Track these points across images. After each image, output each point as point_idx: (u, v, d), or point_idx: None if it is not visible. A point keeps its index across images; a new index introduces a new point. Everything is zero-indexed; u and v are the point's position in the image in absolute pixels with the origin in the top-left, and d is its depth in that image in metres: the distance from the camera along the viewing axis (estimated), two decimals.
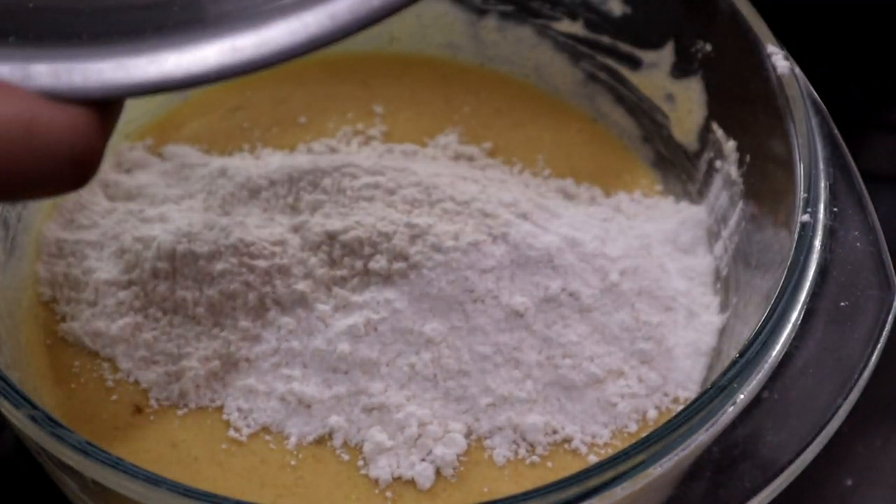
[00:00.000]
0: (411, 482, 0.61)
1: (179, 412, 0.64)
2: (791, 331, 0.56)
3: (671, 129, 0.74)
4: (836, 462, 0.72)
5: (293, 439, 0.63)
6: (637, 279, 0.67)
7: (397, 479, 0.61)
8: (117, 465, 0.51)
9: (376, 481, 0.61)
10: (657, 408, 0.64)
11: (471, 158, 0.75)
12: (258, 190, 0.70)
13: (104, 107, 0.44)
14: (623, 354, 0.65)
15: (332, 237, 0.66)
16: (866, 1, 0.92)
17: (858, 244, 0.60)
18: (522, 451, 0.63)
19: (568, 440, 0.63)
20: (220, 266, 0.65)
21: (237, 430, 0.63)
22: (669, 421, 0.53)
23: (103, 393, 0.64)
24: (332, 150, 0.75)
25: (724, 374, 0.54)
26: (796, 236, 0.58)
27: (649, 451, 0.52)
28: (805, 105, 0.63)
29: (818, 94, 0.64)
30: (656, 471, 0.52)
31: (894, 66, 0.91)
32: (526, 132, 0.77)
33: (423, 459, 0.62)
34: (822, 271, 0.58)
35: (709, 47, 0.71)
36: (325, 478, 0.62)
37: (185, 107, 0.78)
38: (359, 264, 0.65)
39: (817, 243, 0.58)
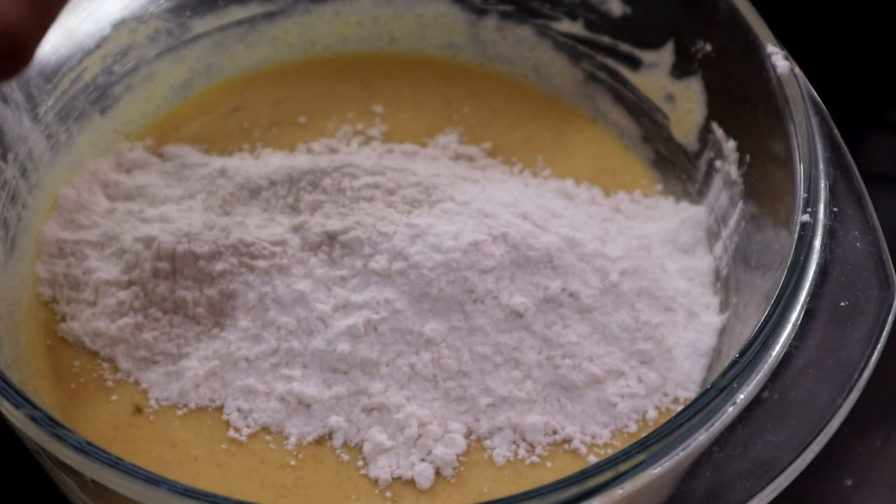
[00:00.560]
0: (411, 482, 0.61)
1: (179, 412, 0.64)
2: (791, 331, 0.56)
3: (671, 129, 0.74)
4: (836, 462, 0.72)
5: (293, 439, 0.63)
6: (637, 279, 0.67)
7: (397, 479, 0.61)
8: (117, 465, 0.51)
9: (376, 481, 0.61)
10: (657, 408, 0.64)
11: (471, 158, 0.75)
12: (258, 190, 0.70)
13: None
14: (623, 355, 0.65)
15: (332, 237, 0.66)
16: (866, 1, 0.92)
17: (858, 244, 0.60)
18: (522, 452, 0.63)
19: (568, 440, 0.63)
20: (220, 266, 0.65)
21: (237, 430, 0.63)
22: (669, 421, 0.53)
23: (103, 393, 0.64)
24: (332, 150, 0.75)
25: (724, 374, 0.54)
26: (796, 236, 0.58)
27: (649, 451, 0.52)
28: (805, 105, 0.63)
29: (818, 94, 0.64)
30: (656, 471, 0.52)
31: (894, 66, 0.91)
32: (526, 132, 0.77)
33: (422, 459, 0.62)
34: (822, 271, 0.58)
35: (709, 47, 0.71)
36: (324, 478, 0.62)
37: (185, 107, 0.78)
38: (359, 264, 0.65)
39: (817, 243, 0.58)
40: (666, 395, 0.65)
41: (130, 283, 0.67)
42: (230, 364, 0.64)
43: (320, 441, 0.63)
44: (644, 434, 0.55)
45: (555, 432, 0.63)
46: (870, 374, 0.57)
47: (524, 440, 0.63)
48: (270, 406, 0.63)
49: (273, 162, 0.72)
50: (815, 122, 0.62)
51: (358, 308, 0.64)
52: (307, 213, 0.68)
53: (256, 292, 0.65)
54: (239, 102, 0.78)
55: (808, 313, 0.57)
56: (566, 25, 0.77)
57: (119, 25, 0.74)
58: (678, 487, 0.58)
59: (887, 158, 0.89)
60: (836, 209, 0.60)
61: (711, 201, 0.71)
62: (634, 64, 0.75)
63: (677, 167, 0.74)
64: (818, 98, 0.64)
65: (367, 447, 0.62)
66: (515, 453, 0.63)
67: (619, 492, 0.51)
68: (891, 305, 0.59)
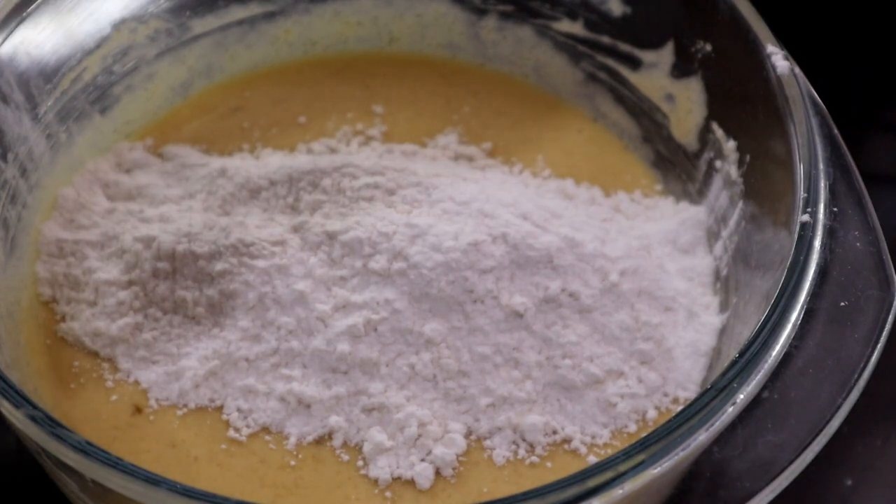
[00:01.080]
0: (411, 482, 0.61)
1: (179, 412, 0.64)
2: (791, 331, 0.56)
3: (671, 129, 0.74)
4: (836, 462, 0.72)
5: (293, 439, 0.63)
6: (637, 279, 0.67)
7: (397, 479, 0.61)
8: (117, 465, 0.51)
9: (376, 481, 0.61)
10: (657, 408, 0.64)
11: (471, 158, 0.75)
12: (258, 190, 0.70)
13: None
14: (623, 355, 0.65)
15: (331, 237, 0.66)
16: (866, 1, 0.92)
17: (858, 244, 0.60)
18: (522, 452, 0.63)
19: (567, 440, 0.63)
20: (219, 266, 0.65)
21: (237, 430, 0.63)
22: (669, 421, 0.53)
23: (103, 393, 0.64)
24: (332, 151, 0.75)
25: (724, 374, 0.54)
26: (796, 236, 0.58)
27: (649, 451, 0.52)
28: (805, 105, 0.63)
29: (818, 94, 0.64)
30: (656, 471, 0.52)
31: (894, 66, 0.91)
32: (526, 132, 0.77)
33: (422, 459, 0.62)
34: (822, 271, 0.58)
35: (709, 47, 0.71)
36: (324, 478, 0.62)
37: (185, 107, 0.78)
38: (358, 264, 0.65)
39: (817, 243, 0.58)
40: (666, 395, 0.65)
41: (130, 283, 0.67)
42: (230, 364, 0.64)
43: (320, 441, 0.63)
44: (644, 434, 0.55)
45: (555, 432, 0.63)
46: (870, 374, 0.57)
47: (524, 440, 0.63)
48: (270, 406, 0.63)
49: (273, 162, 0.72)
50: (815, 122, 0.62)
51: (358, 308, 0.64)
52: (307, 213, 0.68)
53: (256, 292, 0.65)
54: (239, 102, 0.78)
55: (808, 313, 0.57)
56: (566, 25, 0.77)
57: (119, 25, 0.74)
58: (678, 487, 0.58)
59: (887, 158, 0.89)
60: (836, 209, 0.60)
61: (711, 201, 0.71)
62: (634, 64, 0.76)
63: (677, 167, 0.74)
64: (818, 98, 0.64)
65: (367, 447, 0.62)
66: (515, 453, 0.63)
67: (619, 492, 0.51)
68: (891, 305, 0.59)
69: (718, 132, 0.71)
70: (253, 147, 0.76)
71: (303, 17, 0.79)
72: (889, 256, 0.60)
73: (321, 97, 0.78)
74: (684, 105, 0.73)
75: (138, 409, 0.64)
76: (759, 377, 0.54)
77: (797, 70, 0.64)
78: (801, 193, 0.60)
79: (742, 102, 0.68)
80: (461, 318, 0.64)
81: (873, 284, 0.59)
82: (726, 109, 0.70)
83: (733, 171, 0.69)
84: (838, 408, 0.57)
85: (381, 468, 0.61)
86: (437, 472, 0.62)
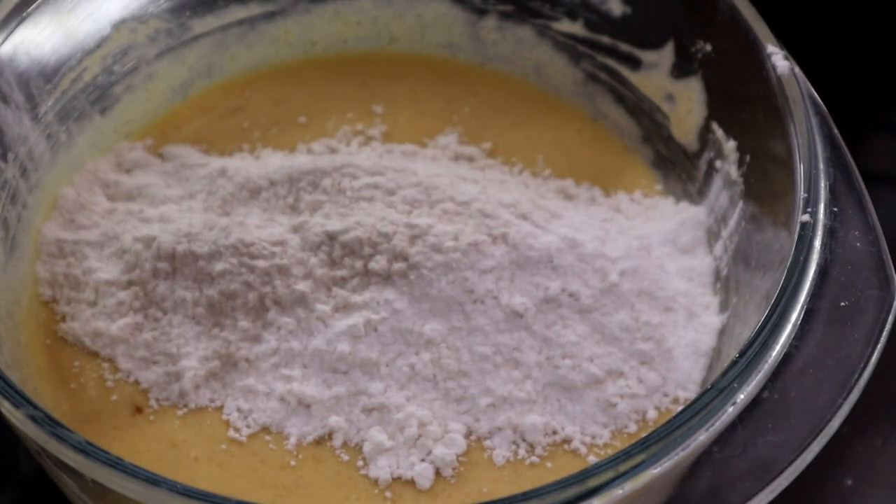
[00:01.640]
0: (411, 482, 0.61)
1: (179, 412, 0.64)
2: (791, 331, 0.56)
3: (671, 129, 0.74)
4: (836, 462, 0.72)
5: (293, 439, 0.63)
6: (637, 280, 0.67)
7: (397, 480, 0.61)
8: (117, 465, 0.51)
9: (376, 481, 0.61)
10: (657, 408, 0.64)
11: (471, 159, 0.75)
12: (258, 190, 0.70)
13: None
14: (623, 355, 0.65)
15: (332, 237, 0.66)
16: (866, 1, 0.92)
17: (858, 244, 0.60)
18: (522, 452, 0.63)
19: (567, 441, 0.63)
20: (219, 266, 0.65)
21: (237, 430, 0.63)
22: (669, 421, 0.53)
23: (103, 393, 0.64)
24: (332, 151, 0.75)
25: (724, 374, 0.54)
26: (796, 236, 0.58)
27: (649, 451, 0.52)
28: (805, 105, 0.63)
29: (818, 94, 0.64)
30: (656, 471, 0.52)
31: (894, 66, 0.91)
32: (526, 132, 0.77)
33: (422, 460, 0.62)
34: (822, 271, 0.58)
35: (709, 47, 0.71)
36: (324, 478, 0.62)
37: (185, 107, 0.78)
38: (359, 264, 0.65)
39: (817, 243, 0.58)
40: (666, 395, 0.65)
41: (130, 283, 0.67)
42: (230, 364, 0.64)
43: (320, 441, 0.63)
44: (644, 434, 0.55)
45: (555, 432, 0.63)
46: (870, 374, 0.57)
47: (524, 440, 0.63)
48: (270, 406, 0.63)
49: (273, 162, 0.72)
50: (815, 122, 0.62)
51: (358, 308, 0.64)
52: (307, 213, 0.68)
53: (256, 292, 0.65)
54: (239, 102, 0.78)
55: (808, 313, 0.57)
56: (566, 25, 0.77)
57: (119, 25, 0.74)
58: (678, 487, 0.58)
59: (887, 158, 0.89)
60: (836, 209, 0.60)
61: (711, 201, 0.71)
62: (634, 64, 0.75)
63: (677, 167, 0.74)
64: (818, 98, 0.64)
65: (367, 447, 0.62)
66: (515, 453, 0.63)
67: (619, 492, 0.51)
68: (891, 305, 0.59)
69: (718, 132, 0.71)
70: (253, 147, 0.76)
71: (303, 17, 0.79)
72: (889, 256, 0.60)
73: (321, 97, 0.78)
74: (684, 105, 0.73)
75: (138, 409, 0.64)
76: (759, 377, 0.54)
77: (797, 70, 0.64)
78: (802, 193, 0.60)
79: (742, 102, 0.68)
80: (461, 318, 0.64)
81: (873, 284, 0.59)
82: (726, 109, 0.70)
83: (733, 171, 0.69)
84: (838, 408, 0.57)
85: (381, 468, 0.61)
86: (437, 473, 0.62)
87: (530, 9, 0.78)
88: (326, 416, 0.63)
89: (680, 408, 0.61)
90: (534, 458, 0.62)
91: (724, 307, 0.67)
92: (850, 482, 0.72)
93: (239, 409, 0.63)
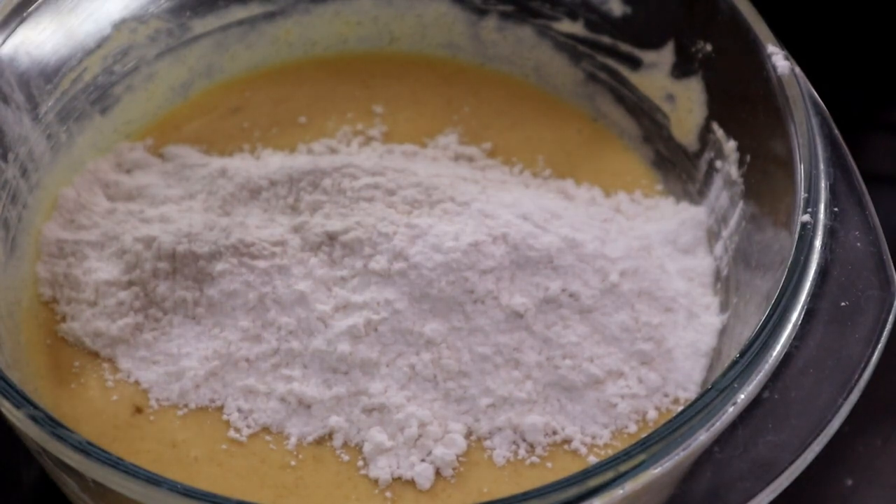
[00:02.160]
0: (411, 482, 0.61)
1: (179, 412, 0.64)
2: (791, 331, 0.56)
3: (671, 129, 0.74)
4: (836, 462, 0.72)
5: (293, 439, 0.63)
6: (637, 280, 0.67)
7: (397, 480, 0.61)
8: (117, 465, 0.51)
9: (376, 481, 0.61)
10: (657, 408, 0.64)
11: (471, 159, 0.75)
12: (258, 190, 0.70)
13: None
14: (623, 355, 0.65)
15: (332, 237, 0.66)
16: (866, 1, 0.92)
17: (858, 244, 0.60)
18: (522, 452, 0.63)
19: (568, 441, 0.63)
20: (220, 266, 0.65)
21: (237, 430, 0.63)
22: (669, 421, 0.53)
23: (103, 393, 0.64)
24: (332, 151, 0.75)
25: (724, 374, 0.54)
26: (796, 236, 0.58)
27: (649, 451, 0.52)
28: (805, 105, 0.63)
29: (818, 94, 0.64)
30: (656, 471, 0.52)
31: (894, 66, 0.91)
32: (526, 132, 0.77)
33: (422, 460, 0.62)
34: (822, 271, 0.58)
35: (709, 47, 0.71)
36: (325, 478, 0.62)
37: (185, 107, 0.78)
38: (359, 264, 0.65)
39: (817, 243, 0.58)
40: (666, 395, 0.65)
41: (130, 284, 0.67)
42: (230, 364, 0.64)
43: (320, 441, 0.63)
44: (644, 434, 0.55)
45: (555, 433, 0.63)
46: (870, 374, 0.57)
47: (524, 440, 0.63)
48: (270, 406, 0.63)
49: (273, 162, 0.72)
50: (815, 122, 0.62)
51: (358, 308, 0.64)
52: (307, 213, 0.68)
53: (257, 292, 0.65)
54: (239, 102, 0.78)
55: (809, 313, 0.57)
56: (566, 25, 0.77)
57: (119, 25, 0.74)
58: (678, 487, 0.58)
59: (887, 158, 0.89)
60: (836, 209, 0.60)
61: (712, 201, 0.71)
62: (634, 64, 0.75)
63: (677, 167, 0.74)
64: (818, 98, 0.64)
65: (367, 447, 0.62)
66: (515, 453, 0.63)
67: (619, 492, 0.51)
68: (891, 305, 0.59)
69: (719, 132, 0.71)
70: (253, 147, 0.76)
71: (303, 17, 0.79)
72: (889, 256, 0.60)
73: (321, 97, 0.78)
74: (685, 105, 0.73)
75: (138, 409, 0.64)
76: (759, 377, 0.54)
77: (797, 70, 0.64)
78: (802, 193, 0.60)
79: (742, 102, 0.68)
80: (461, 318, 0.64)
81: (874, 284, 0.59)
82: (727, 109, 0.70)
83: (734, 172, 0.69)
84: (839, 408, 0.57)
85: (382, 468, 0.61)
86: (438, 473, 0.62)
87: (530, 9, 0.78)
88: (327, 417, 0.63)
89: (680, 408, 0.61)
90: (534, 459, 0.62)
91: (724, 307, 0.67)
92: (850, 482, 0.72)
93: (239, 409, 0.63)
